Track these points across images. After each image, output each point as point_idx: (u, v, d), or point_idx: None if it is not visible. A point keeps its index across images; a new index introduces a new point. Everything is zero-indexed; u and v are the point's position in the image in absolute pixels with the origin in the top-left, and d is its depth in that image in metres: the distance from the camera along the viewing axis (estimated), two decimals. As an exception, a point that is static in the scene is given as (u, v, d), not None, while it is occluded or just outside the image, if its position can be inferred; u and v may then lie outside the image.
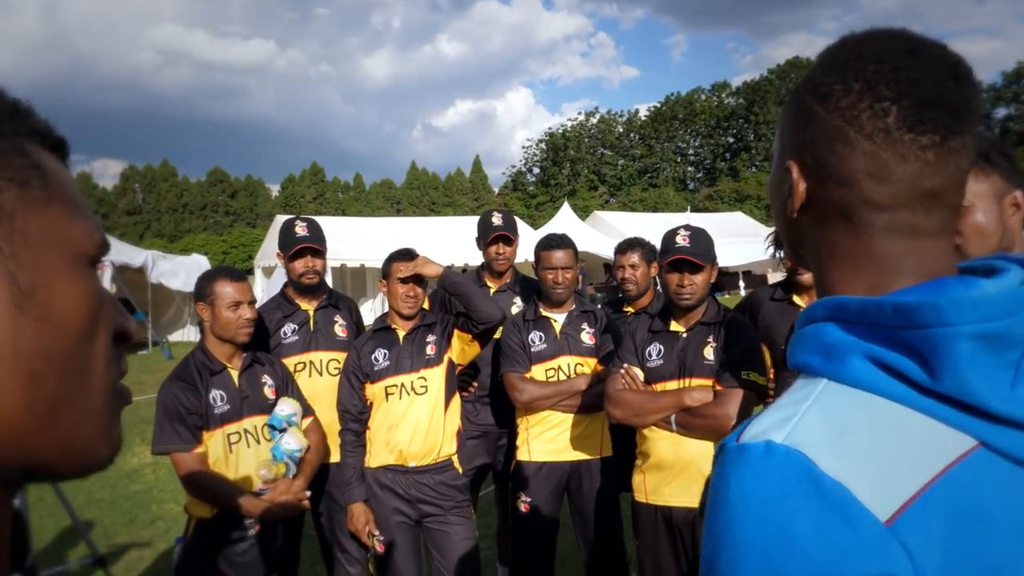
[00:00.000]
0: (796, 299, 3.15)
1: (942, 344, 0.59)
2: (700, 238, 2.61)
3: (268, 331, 3.18)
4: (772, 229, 3.34)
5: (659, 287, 3.62)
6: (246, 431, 2.70)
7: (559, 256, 3.20)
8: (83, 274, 0.48)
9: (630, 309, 3.73)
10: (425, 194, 64.42)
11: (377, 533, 2.98)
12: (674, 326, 2.69)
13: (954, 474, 0.58)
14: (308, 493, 2.75)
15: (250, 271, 22.87)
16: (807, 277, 3.07)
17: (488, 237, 3.56)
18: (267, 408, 2.78)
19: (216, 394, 2.68)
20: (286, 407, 2.79)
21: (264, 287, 17.20)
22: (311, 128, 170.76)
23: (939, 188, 0.67)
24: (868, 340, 0.63)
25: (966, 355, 0.59)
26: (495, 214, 3.66)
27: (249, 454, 2.68)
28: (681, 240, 2.58)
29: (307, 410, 2.94)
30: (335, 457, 3.13)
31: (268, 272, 18.80)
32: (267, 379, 2.83)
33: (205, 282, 2.72)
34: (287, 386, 2.90)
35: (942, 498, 0.57)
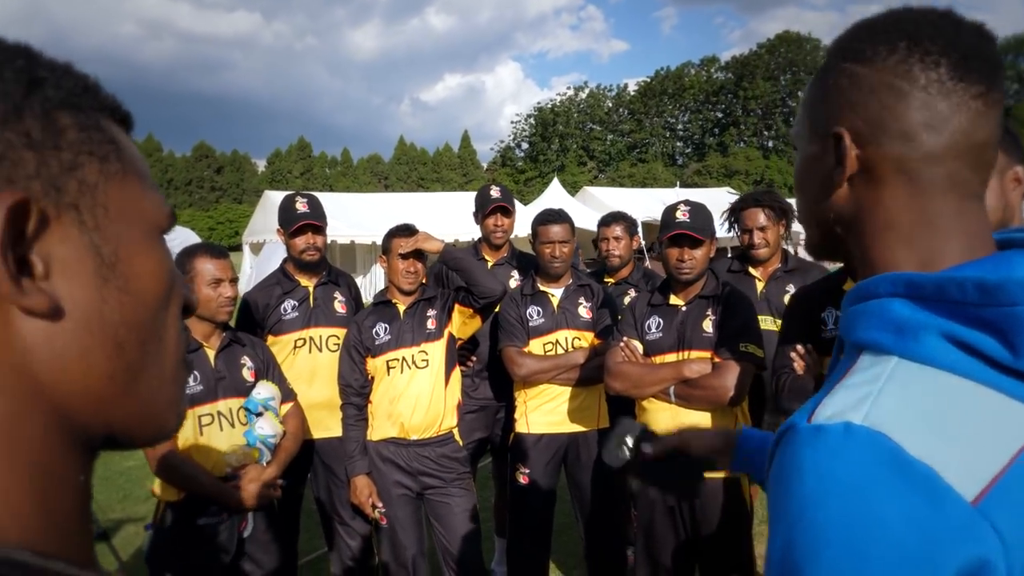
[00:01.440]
0: (752, 271, 3.28)
1: None
2: (700, 213, 2.63)
3: (268, 307, 3.19)
4: (728, 206, 3.42)
5: (659, 260, 3.67)
6: (220, 413, 2.58)
7: (556, 230, 3.22)
8: (158, 246, 0.50)
9: (610, 280, 3.81)
10: (413, 169, 64.04)
11: (380, 505, 3.03)
12: (673, 300, 2.73)
13: None
14: (281, 481, 2.67)
15: (237, 247, 22.73)
16: (763, 251, 3.18)
17: (487, 209, 3.58)
18: (244, 390, 2.67)
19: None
20: (264, 390, 2.70)
21: (252, 263, 17.11)
22: (298, 102, 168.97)
23: (987, 140, 0.69)
24: (944, 317, 0.62)
25: None
26: (493, 187, 3.70)
27: (222, 437, 2.57)
28: (681, 215, 2.61)
29: (287, 395, 2.85)
30: (336, 432, 3.16)
31: (256, 248, 18.69)
32: (246, 360, 2.72)
33: (185, 258, 2.63)
34: (268, 369, 2.80)
35: None
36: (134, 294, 0.47)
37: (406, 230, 3.06)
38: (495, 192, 3.63)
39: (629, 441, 1.42)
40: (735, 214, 3.33)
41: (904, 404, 0.60)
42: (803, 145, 0.80)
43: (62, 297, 0.43)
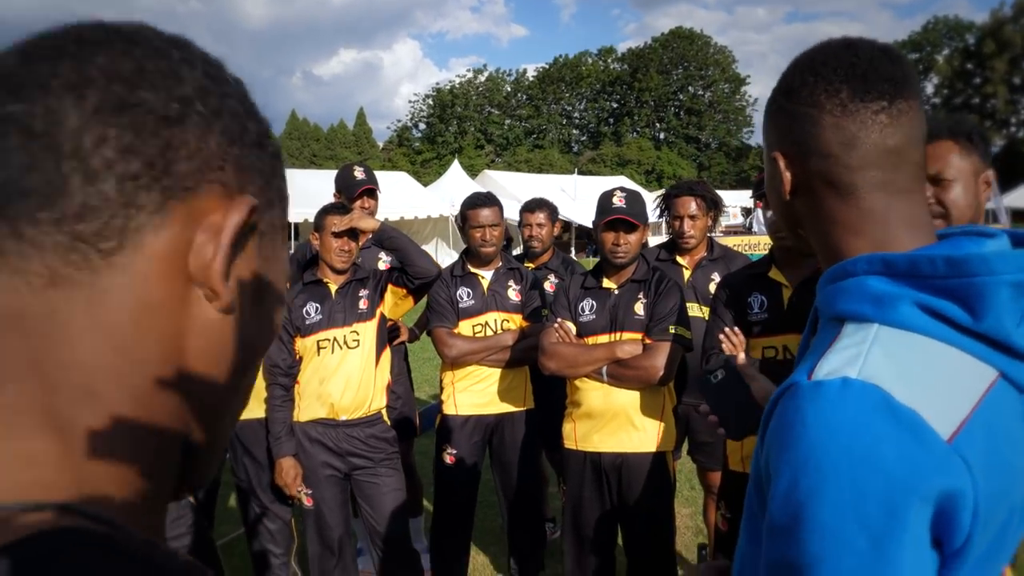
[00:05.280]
0: (679, 259, 3.46)
1: (988, 290, 0.71)
2: (635, 200, 2.74)
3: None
4: (656, 193, 3.60)
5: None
6: None
7: (486, 214, 3.26)
8: (282, 298, 0.53)
9: (531, 265, 3.87)
10: (306, 145, 61.84)
11: (304, 488, 2.98)
12: (606, 283, 2.83)
13: (989, 399, 0.71)
14: None
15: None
16: (691, 240, 3.36)
17: (353, 193, 3.48)
18: None
19: None
20: None
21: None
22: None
23: (900, 145, 0.80)
24: (915, 289, 0.74)
25: (1005, 300, 0.71)
26: (356, 168, 3.61)
27: None
28: (618, 201, 2.70)
29: None
30: (258, 413, 3.08)
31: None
32: None
33: None
34: None
35: (982, 419, 0.69)
36: (264, 329, 0.49)
37: (340, 208, 3.00)
38: (360, 174, 3.54)
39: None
40: (668, 201, 3.46)
41: (889, 361, 0.70)
42: (765, 164, 0.94)
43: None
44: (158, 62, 0.42)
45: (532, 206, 3.95)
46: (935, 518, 0.66)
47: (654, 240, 4.80)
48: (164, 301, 0.41)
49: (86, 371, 0.39)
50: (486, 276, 3.31)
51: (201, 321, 0.43)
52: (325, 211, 2.98)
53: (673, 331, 2.66)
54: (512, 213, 8.69)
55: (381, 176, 3.66)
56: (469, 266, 3.32)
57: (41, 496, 0.36)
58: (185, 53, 0.43)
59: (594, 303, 2.82)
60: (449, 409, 3.29)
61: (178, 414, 0.43)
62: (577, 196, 25.72)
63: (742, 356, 2.12)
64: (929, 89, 58.18)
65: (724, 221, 27.36)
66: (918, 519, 0.65)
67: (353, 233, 2.98)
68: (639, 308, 2.74)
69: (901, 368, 0.70)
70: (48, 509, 0.36)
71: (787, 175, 0.86)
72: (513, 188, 24.95)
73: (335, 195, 3.56)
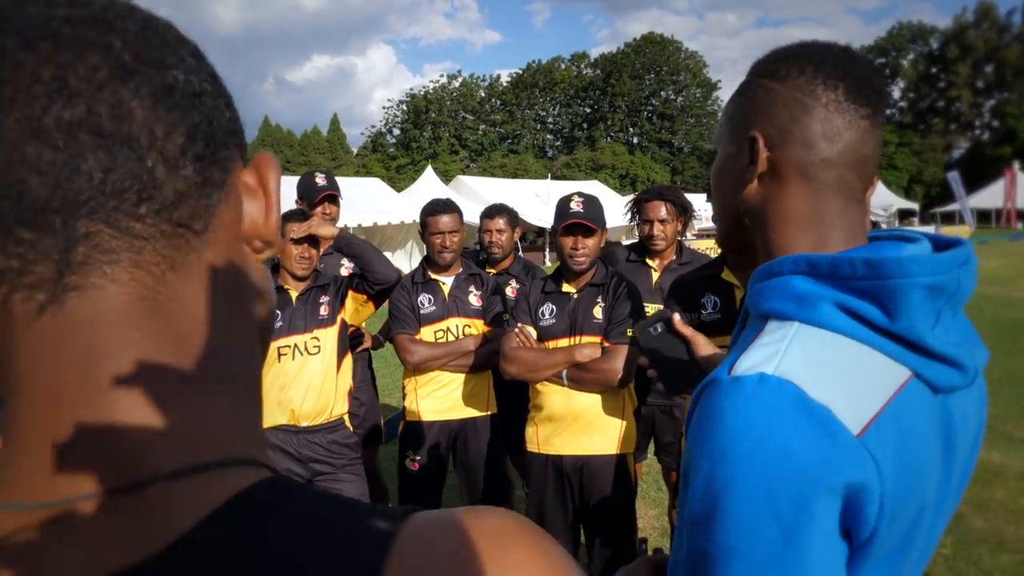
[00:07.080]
0: (648, 261, 3.53)
1: (901, 292, 0.73)
2: (593, 204, 2.76)
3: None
4: (628, 198, 3.65)
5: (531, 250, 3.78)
6: None
7: (445, 221, 3.28)
8: None
9: (492, 271, 3.88)
10: (279, 152, 61.28)
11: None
12: (566, 287, 2.85)
13: (900, 398, 0.73)
14: None
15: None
16: (660, 243, 3.43)
17: (315, 199, 3.53)
18: None
19: None
20: None
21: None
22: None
23: (868, 155, 0.84)
24: (836, 290, 0.76)
25: (918, 301, 0.73)
26: (318, 174, 3.65)
27: None
28: (575, 206, 2.72)
29: None
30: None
31: (107, 230, 17.37)
32: None
33: None
34: None
35: (892, 417, 0.71)
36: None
37: (300, 214, 3.00)
38: (321, 180, 3.58)
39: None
40: (639, 205, 3.51)
41: (805, 359, 0.72)
42: (723, 147, 0.93)
43: None
44: (169, 40, 0.42)
45: (492, 212, 3.96)
46: (844, 510, 0.68)
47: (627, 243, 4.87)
48: (242, 265, 0.46)
49: (216, 335, 0.43)
50: (447, 282, 3.32)
51: (252, 271, 0.48)
52: (285, 217, 2.97)
53: (630, 334, 2.69)
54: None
55: (354, 182, 3.70)
56: (430, 272, 3.33)
57: (227, 446, 0.41)
58: (174, 29, 0.44)
59: (554, 307, 2.84)
60: (412, 415, 3.29)
61: (254, 352, 0.49)
62: (551, 201, 25.79)
63: (677, 316, 2.09)
64: (896, 93, 59.24)
65: (697, 224, 27.62)
66: (827, 511, 0.67)
67: (313, 240, 2.98)
68: (598, 312, 2.76)
69: (817, 365, 0.72)
70: (243, 464, 0.41)
71: (764, 156, 0.85)
72: (487, 193, 24.95)
73: (297, 201, 3.58)
